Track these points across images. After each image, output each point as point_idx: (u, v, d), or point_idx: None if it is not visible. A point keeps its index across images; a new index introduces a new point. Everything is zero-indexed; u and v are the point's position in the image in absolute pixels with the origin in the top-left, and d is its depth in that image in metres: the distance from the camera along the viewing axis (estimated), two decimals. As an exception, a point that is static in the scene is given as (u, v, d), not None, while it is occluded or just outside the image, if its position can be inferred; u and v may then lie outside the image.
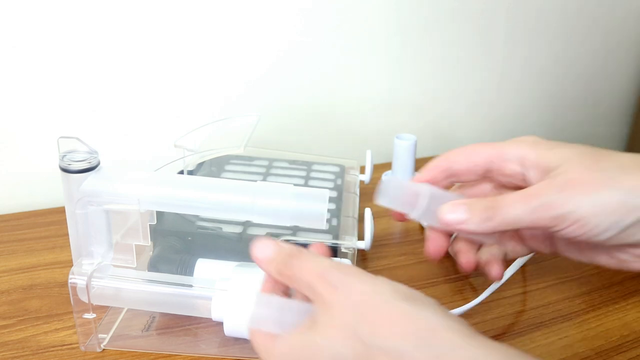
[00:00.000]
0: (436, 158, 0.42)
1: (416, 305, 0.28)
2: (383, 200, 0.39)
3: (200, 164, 0.53)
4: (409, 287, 0.30)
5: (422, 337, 0.27)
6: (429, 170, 0.41)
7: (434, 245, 0.41)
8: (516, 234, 0.43)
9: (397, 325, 0.28)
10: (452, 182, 0.43)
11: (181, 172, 0.49)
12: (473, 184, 0.43)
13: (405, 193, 0.39)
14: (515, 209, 0.35)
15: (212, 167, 0.57)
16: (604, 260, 0.39)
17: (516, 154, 0.39)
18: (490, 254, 0.43)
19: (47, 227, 0.60)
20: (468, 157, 0.40)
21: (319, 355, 0.29)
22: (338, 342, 0.28)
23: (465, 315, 0.46)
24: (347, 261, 0.45)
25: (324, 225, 0.37)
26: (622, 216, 0.34)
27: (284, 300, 0.33)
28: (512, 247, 0.43)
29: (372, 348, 0.27)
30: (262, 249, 0.33)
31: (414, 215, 0.39)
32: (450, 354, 0.26)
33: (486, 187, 0.43)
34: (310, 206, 0.37)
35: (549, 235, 0.42)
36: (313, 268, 0.31)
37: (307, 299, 0.32)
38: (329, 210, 0.37)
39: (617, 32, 0.93)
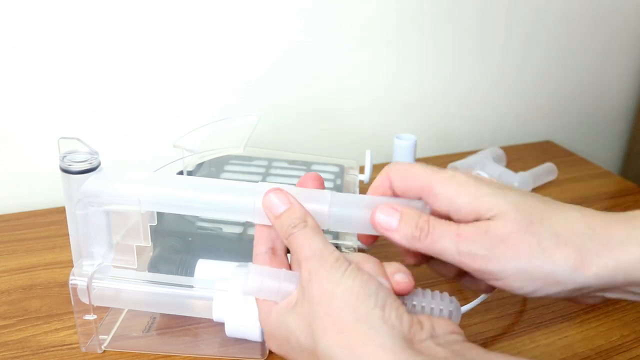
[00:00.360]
0: (382, 173, 0.38)
1: (359, 317, 0.29)
2: None
3: (200, 164, 0.53)
4: (369, 289, 0.31)
5: (353, 349, 0.29)
6: (376, 186, 0.38)
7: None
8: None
9: (338, 332, 0.29)
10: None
11: (181, 173, 0.49)
12: None
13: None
14: (444, 243, 0.34)
15: (212, 168, 0.57)
16: None
17: (445, 194, 0.35)
18: None
19: (47, 227, 0.60)
20: (404, 181, 0.37)
21: (291, 338, 0.32)
22: (302, 332, 0.31)
23: (465, 316, 0.46)
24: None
25: (325, 225, 0.37)
26: (547, 286, 0.33)
27: (275, 271, 0.34)
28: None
29: (318, 347, 0.30)
30: (275, 205, 0.35)
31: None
32: None
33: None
34: (310, 206, 0.37)
35: None
36: (303, 248, 0.33)
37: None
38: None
39: (618, 32, 0.93)
